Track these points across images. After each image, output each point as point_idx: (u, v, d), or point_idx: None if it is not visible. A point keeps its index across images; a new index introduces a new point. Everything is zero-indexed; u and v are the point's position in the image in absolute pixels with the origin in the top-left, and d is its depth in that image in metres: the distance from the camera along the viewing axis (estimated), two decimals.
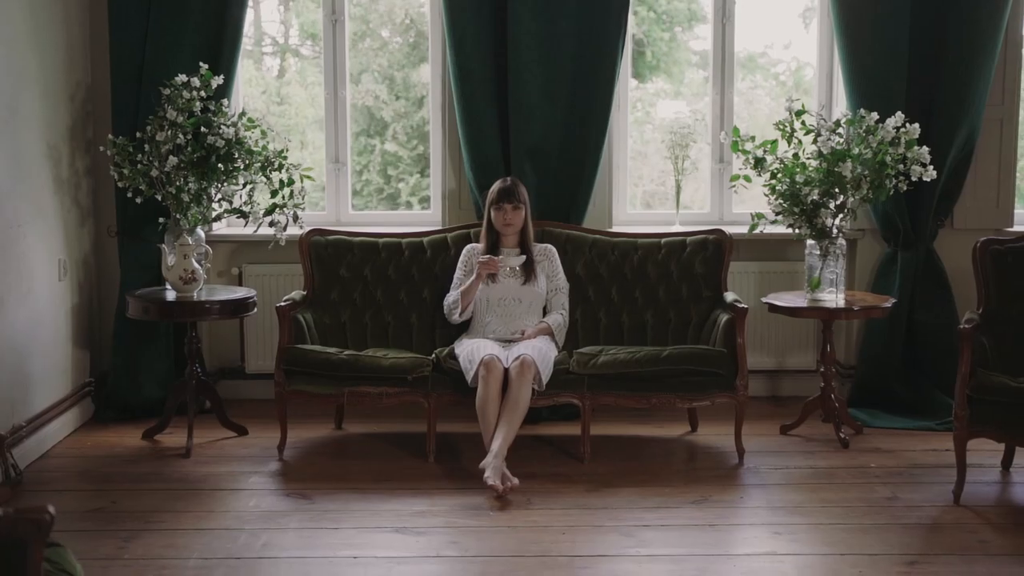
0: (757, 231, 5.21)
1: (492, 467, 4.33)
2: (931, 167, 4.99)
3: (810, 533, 3.95)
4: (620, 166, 5.79)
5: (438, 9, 5.52)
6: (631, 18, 5.54)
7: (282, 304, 4.93)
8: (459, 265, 5.10)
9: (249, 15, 5.58)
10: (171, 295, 4.97)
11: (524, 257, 4.99)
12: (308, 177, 5.14)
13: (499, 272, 4.95)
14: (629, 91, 5.86)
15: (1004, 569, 3.62)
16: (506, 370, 4.58)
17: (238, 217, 5.12)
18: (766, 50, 6.60)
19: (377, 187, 6.71)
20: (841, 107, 5.63)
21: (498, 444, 4.40)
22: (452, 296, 5.02)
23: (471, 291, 4.95)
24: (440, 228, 5.54)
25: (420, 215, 5.95)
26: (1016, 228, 5.66)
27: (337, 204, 5.85)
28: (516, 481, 4.33)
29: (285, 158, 5.06)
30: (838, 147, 4.99)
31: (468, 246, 5.16)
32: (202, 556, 3.72)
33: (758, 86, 6.66)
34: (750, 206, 5.70)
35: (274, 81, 6.66)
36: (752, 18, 6.02)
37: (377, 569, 3.61)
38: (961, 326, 4.31)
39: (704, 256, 5.26)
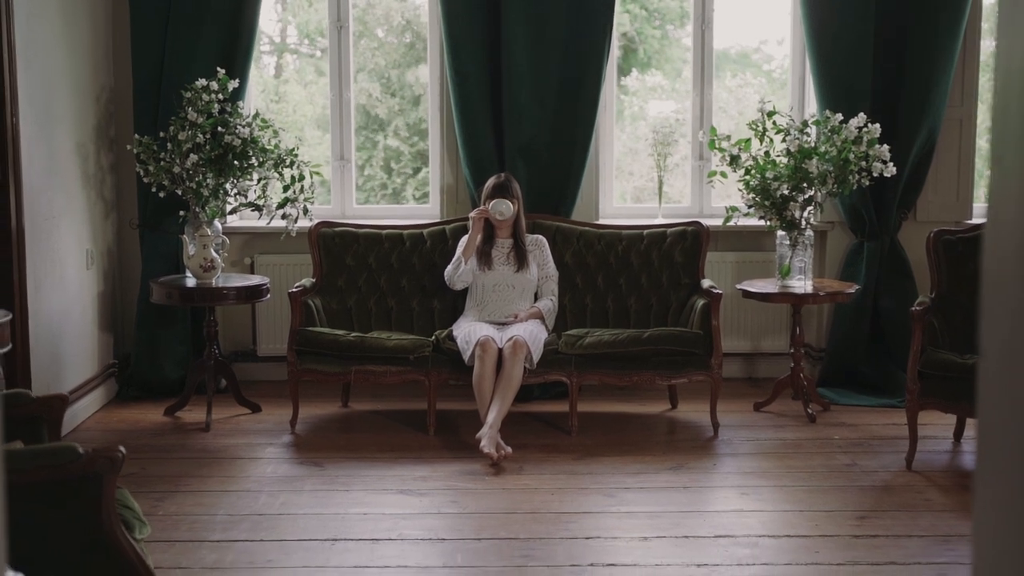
0: (731, 223, 5.63)
1: (488, 437, 4.75)
2: (891, 164, 5.42)
3: (774, 493, 4.39)
4: (606, 163, 6.21)
5: (436, 16, 5.93)
6: (615, 23, 5.94)
7: (294, 290, 5.35)
8: (457, 249, 5.51)
9: None
10: (191, 282, 5.39)
11: (511, 205, 5.38)
12: (317, 173, 5.56)
13: (491, 218, 5.36)
14: (631, 82, 6.26)
15: (944, 522, 4.05)
16: (500, 350, 5.00)
17: (253, 210, 5.54)
18: (760, 46, 6.98)
19: (380, 182, 7.11)
20: (813, 107, 6.05)
21: (493, 416, 4.83)
22: (453, 261, 5.43)
23: (471, 245, 5.37)
24: (439, 220, 5.96)
25: (419, 209, 6.37)
26: (976, 221, 6.08)
27: (343, 199, 6.27)
28: (509, 450, 4.75)
29: (296, 156, 5.48)
30: (805, 145, 5.42)
31: (464, 237, 5.57)
32: (228, 513, 4.15)
33: (748, 83, 7.04)
34: (728, 200, 6.13)
35: (272, 80, 7.05)
36: (744, 15, 6.39)
37: (385, 523, 4.04)
38: (913, 308, 4.75)
39: (683, 246, 5.69)
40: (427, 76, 6.27)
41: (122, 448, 2.51)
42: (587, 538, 3.91)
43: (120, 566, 2.48)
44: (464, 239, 5.50)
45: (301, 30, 7.25)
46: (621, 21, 5.97)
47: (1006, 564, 1.21)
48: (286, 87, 7.16)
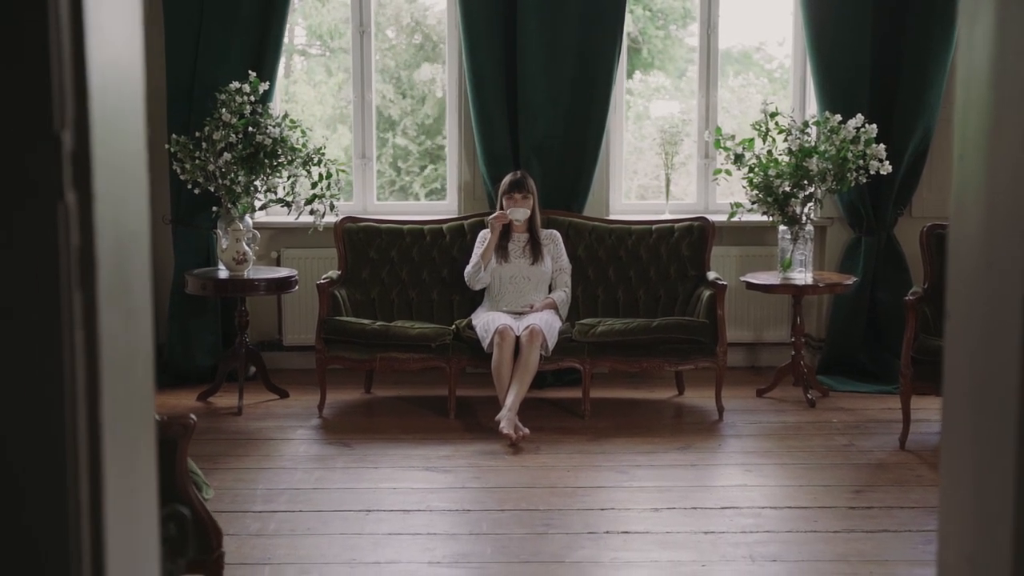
0: (736, 218, 5.93)
1: (506, 419, 5.06)
2: (887, 162, 5.72)
3: (775, 470, 4.69)
4: (616, 161, 6.51)
5: (455, 20, 6.23)
6: (626, 27, 6.24)
7: (321, 282, 5.66)
8: (476, 245, 5.81)
9: None
10: (224, 274, 5.69)
11: (526, 211, 5.68)
12: (344, 171, 5.86)
13: (508, 222, 5.66)
14: (634, 84, 6.55)
15: (934, 495, 4.35)
16: (517, 338, 5.30)
17: (282, 206, 5.84)
18: (761, 46, 7.25)
19: (389, 179, 7.40)
20: (813, 106, 6.34)
21: (511, 399, 5.13)
22: (472, 261, 5.73)
23: (489, 249, 5.67)
24: (457, 216, 6.26)
25: (438, 205, 6.67)
26: None
27: (364, 195, 6.57)
28: (527, 431, 5.05)
29: (323, 154, 5.78)
30: (806, 145, 5.72)
31: (482, 231, 5.87)
32: (267, 487, 4.46)
33: (751, 84, 7.32)
34: (732, 197, 6.42)
35: (281, 80, 7.32)
36: (746, 15, 6.67)
37: (414, 496, 4.35)
38: (907, 298, 5.05)
39: (690, 240, 5.98)
40: (436, 76, 6.56)
41: (193, 416, 2.81)
42: (602, 509, 4.21)
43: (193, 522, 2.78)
44: (482, 235, 5.80)
45: (313, 31, 7.51)
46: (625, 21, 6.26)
47: (968, 526, 1.45)
48: (295, 87, 7.43)
